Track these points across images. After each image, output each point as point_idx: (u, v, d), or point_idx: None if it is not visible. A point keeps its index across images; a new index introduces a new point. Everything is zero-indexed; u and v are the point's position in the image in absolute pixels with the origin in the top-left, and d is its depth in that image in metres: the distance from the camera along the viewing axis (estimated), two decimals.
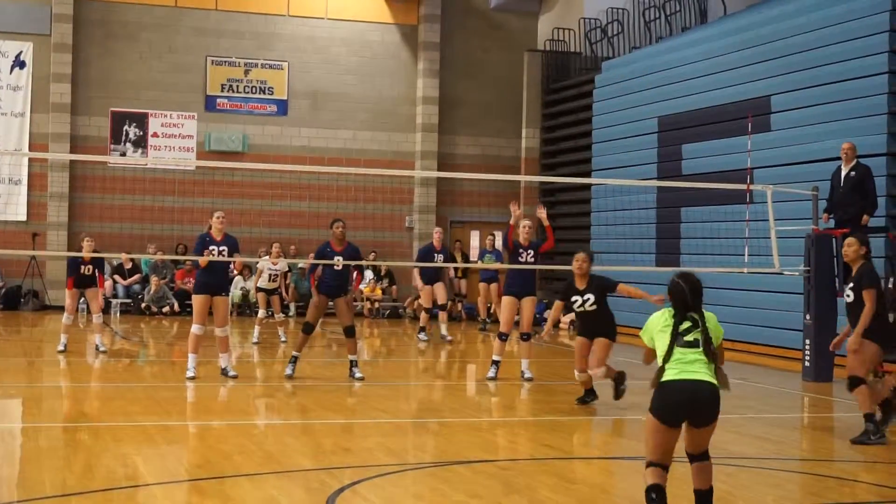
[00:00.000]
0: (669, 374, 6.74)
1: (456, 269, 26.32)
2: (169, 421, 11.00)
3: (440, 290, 20.90)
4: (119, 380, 14.19)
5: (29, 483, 7.97)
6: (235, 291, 25.99)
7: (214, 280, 13.96)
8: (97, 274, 16.83)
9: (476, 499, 7.72)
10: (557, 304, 12.60)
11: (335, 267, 14.16)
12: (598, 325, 12.27)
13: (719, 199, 19.74)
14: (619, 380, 12.35)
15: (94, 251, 16.86)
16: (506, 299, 14.56)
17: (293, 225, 27.34)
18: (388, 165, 28.17)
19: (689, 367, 6.71)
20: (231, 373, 13.98)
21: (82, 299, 19.33)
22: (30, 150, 26.31)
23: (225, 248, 13.97)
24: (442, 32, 29.40)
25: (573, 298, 12.25)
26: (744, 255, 17.44)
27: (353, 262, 14.38)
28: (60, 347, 16.68)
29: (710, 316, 6.93)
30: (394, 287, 28.02)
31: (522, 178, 27.71)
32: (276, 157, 27.53)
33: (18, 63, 26.66)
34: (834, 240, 15.99)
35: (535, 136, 29.00)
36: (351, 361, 14.40)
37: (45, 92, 26.66)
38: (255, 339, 19.07)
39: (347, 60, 28.87)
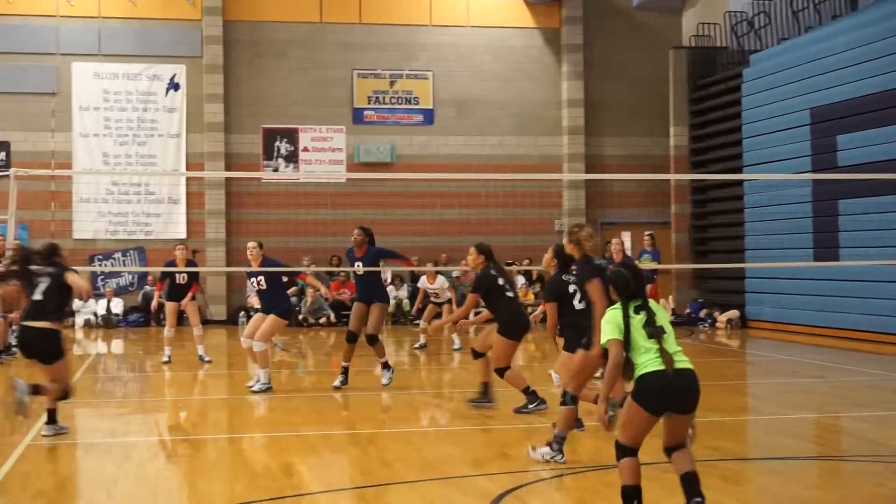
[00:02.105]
0: (654, 365, 6.74)
1: None
2: (330, 430, 11.19)
3: None
4: (280, 390, 14.49)
5: (200, 494, 8.20)
6: None
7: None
8: (191, 282, 17.99)
9: None
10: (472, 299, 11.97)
11: (357, 272, 14.18)
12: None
13: (879, 190, 19.20)
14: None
15: (190, 260, 17.96)
16: None
17: (443, 233, 27.55)
18: (535, 169, 28.16)
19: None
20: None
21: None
22: (186, 169, 27.17)
23: (261, 277, 13.96)
24: (584, 34, 29.25)
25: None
26: None
27: (372, 268, 14.18)
28: (165, 359, 17.90)
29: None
30: None
31: (672, 176, 27.35)
32: (424, 167, 27.81)
33: (173, 85, 27.51)
34: None
35: (684, 134, 28.53)
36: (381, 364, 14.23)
37: (199, 112, 27.44)
38: (419, 343, 19.61)
39: (491, 66, 28.95)
